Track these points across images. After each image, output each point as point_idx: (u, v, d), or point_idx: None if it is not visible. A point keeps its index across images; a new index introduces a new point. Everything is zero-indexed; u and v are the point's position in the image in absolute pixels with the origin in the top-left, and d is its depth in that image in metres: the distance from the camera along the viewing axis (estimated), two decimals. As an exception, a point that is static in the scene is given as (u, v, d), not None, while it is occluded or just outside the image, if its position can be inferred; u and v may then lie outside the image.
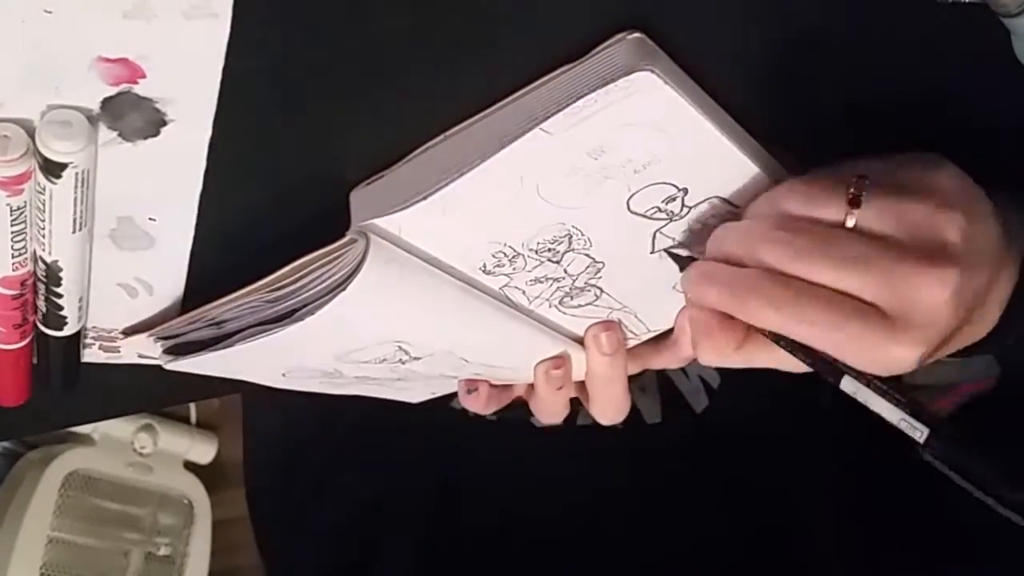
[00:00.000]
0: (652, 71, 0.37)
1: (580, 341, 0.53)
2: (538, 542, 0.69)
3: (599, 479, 0.69)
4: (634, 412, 0.55)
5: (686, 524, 0.69)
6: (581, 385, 0.55)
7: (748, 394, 0.69)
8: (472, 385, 0.55)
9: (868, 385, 0.43)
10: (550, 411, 0.56)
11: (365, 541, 0.73)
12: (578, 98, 0.38)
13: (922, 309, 0.41)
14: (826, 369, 0.43)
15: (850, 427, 0.72)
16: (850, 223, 0.42)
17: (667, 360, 0.55)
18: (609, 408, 0.55)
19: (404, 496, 0.72)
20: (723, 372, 0.60)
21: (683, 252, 0.47)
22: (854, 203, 0.42)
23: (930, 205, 0.42)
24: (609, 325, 0.52)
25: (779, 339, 0.43)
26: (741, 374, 0.53)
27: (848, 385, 0.43)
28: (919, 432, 0.42)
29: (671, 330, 0.53)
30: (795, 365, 0.45)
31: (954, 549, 0.65)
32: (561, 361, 0.53)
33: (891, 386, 0.43)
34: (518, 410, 0.58)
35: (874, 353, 0.42)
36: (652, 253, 0.47)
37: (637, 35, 0.39)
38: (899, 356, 0.42)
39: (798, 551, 0.70)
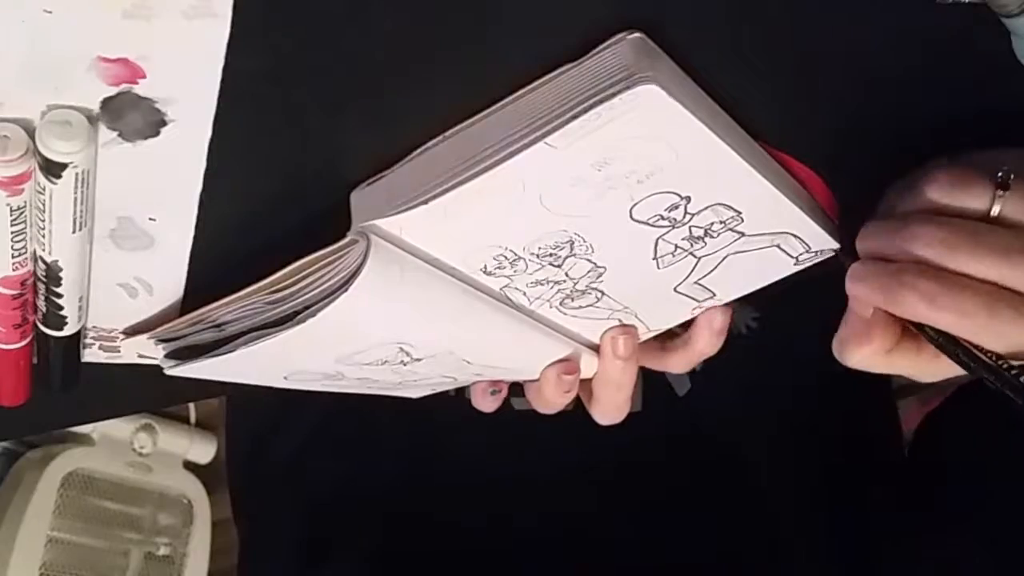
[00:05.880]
0: (655, 84, 0.37)
1: (580, 341, 0.53)
2: (512, 530, 0.69)
3: (577, 465, 0.69)
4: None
5: (666, 508, 0.69)
6: (583, 384, 0.55)
7: (730, 378, 0.69)
8: (497, 386, 0.55)
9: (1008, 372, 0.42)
10: (551, 407, 0.56)
11: (330, 531, 0.72)
12: (582, 112, 0.38)
13: None
14: (971, 362, 0.43)
15: (831, 412, 0.72)
16: (995, 210, 0.42)
17: (676, 361, 0.54)
18: (611, 410, 0.55)
19: (372, 485, 0.72)
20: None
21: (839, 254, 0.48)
22: (1003, 187, 0.42)
23: None
24: (627, 329, 0.52)
25: (926, 331, 0.43)
26: (724, 359, 0.53)
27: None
28: None
29: (674, 332, 0.53)
30: (931, 374, 0.46)
31: (937, 523, 0.65)
32: (573, 366, 0.53)
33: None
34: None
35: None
36: (654, 259, 0.47)
37: (637, 35, 0.39)
38: None
39: (775, 534, 0.70)
